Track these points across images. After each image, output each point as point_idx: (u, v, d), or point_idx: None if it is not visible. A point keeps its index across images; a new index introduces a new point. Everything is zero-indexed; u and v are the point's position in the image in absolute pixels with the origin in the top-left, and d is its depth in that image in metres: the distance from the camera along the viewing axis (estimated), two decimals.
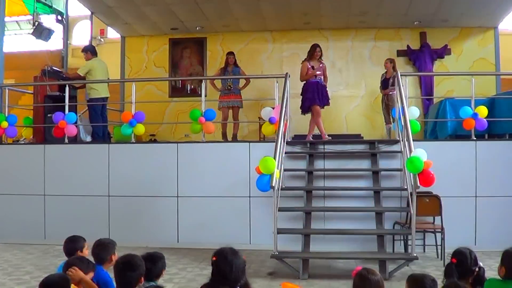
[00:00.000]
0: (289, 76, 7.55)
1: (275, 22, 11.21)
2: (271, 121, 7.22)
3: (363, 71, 11.54)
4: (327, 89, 8.55)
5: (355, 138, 9.12)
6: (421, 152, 5.44)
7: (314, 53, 8.48)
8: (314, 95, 8.31)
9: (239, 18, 10.93)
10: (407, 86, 7.51)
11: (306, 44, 11.08)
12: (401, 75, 7.11)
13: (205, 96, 8.03)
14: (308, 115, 8.54)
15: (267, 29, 11.65)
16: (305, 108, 8.46)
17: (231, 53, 9.77)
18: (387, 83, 9.71)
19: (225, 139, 9.32)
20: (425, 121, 10.31)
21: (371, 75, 11.29)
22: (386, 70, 9.91)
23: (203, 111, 7.74)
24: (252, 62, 11.66)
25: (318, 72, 8.43)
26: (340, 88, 11.42)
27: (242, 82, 9.56)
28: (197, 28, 11.60)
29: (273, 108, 7.39)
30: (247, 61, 11.66)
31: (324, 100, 8.37)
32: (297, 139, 8.39)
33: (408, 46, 11.47)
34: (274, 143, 6.05)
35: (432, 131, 9.76)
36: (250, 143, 7.42)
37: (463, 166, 7.06)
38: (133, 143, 7.87)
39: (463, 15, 10.63)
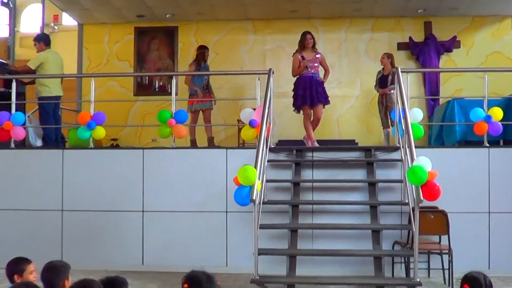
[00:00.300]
0: (273, 73, 7.52)
1: (257, 9, 11.23)
2: (251, 124, 7.20)
3: (358, 67, 11.62)
4: (324, 85, 8.53)
5: (349, 145, 9.16)
6: (425, 160, 5.45)
7: (304, 42, 8.49)
8: (306, 92, 8.29)
9: (215, 4, 10.93)
10: (409, 84, 7.53)
11: (292, 36, 11.10)
12: (402, 72, 7.13)
13: (176, 95, 7.99)
14: (299, 117, 8.58)
15: (248, 17, 11.67)
16: (297, 106, 8.46)
17: (205, 48, 9.89)
18: (385, 81, 9.79)
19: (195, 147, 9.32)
20: (430, 124, 10.39)
21: (367, 72, 11.36)
22: (383, 66, 9.99)
23: (173, 112, 7.69)
24: (231, 56, 11.67)
25: (311, 64, 8.41)
26: (332, 87, 11.38)
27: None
28: (167, 16, 11.57)
29: (254, 110, 7.37)
30: (225, 55, 11.67)
31: (320, 97, 8.33)
32: (282, 145, 8.41)
33: (410, 38, 11.54)
34: (255, 150, 6.02)
35: (438, 136, 9.84)
36: (228, 150, 7.39)
37: (474, 177, 7.10)
38: (91, 148, 7.81)
39: (474, 1, 10.73)
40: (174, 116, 7.65)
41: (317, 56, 8.52)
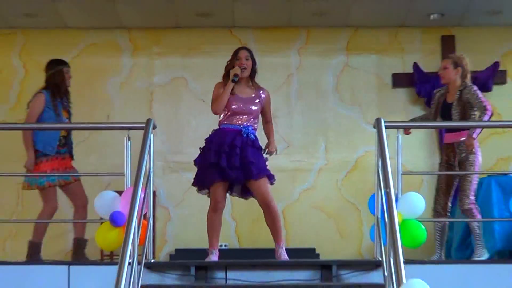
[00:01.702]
0: (155, 127, 7.79)
1: (136, 10, 11.48)
2: (114, 221, 7.35)
3: (322, 117, 12.00)
4: (261, 150, 8.59)
5: (300, 257, 9.26)
6: (419, 286, 5.70)
7: (234, 64, 8.58)
8: (221, 158, 8.32)
9: None
10: (400, 148, 7.86)
11: (202, 59, 11.49)
12: (387, 126, 7.52)
13: None
14: None
15: (121, 25, 11.97)
16: (199, 182, 8.55)
17: (63, 63, 9.92)
18: (448, 114, 9.44)
19: (34, 256, 9.38)
20: (447, 221, 10.80)
21: (338, 126, 11.81)
22: (444, 81, 9.60)
23: None
24: (88, 94, 11.75)
25: (242, 108, 8.47)
26: (275, 154, 11.70)
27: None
28: None
29: (120, 194, 7.58)
30: (79, 91, 11.81)
31: (248, 172, 8.30)
32: (179, 258, 8.43)
33: (415, 65, 11.94)
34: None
35: (463, 243, 10.19)
36: (71, 266, 7.51)
37: None
38: None
39: None
40: None
41: (258, 97, 8.64)
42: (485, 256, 8.89)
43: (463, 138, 9.01)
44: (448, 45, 12.01)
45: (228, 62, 8.68)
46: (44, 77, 9.84)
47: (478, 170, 9.09)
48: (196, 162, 8.58)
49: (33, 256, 9.35)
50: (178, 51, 12.07)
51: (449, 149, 9.24)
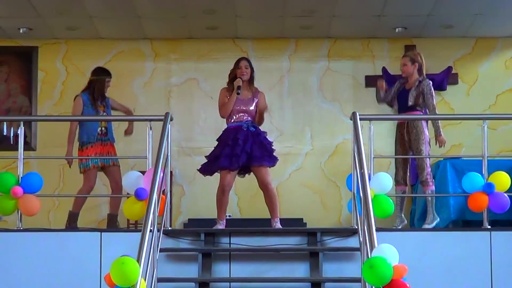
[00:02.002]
0: (172, 119, 7.74)
1: (158, 24, 11.47)
2: (139, 195, 7.32)
3: (308, 111, 11.94)
4: (263, 136, 8.61)
5: (290, 226, 9.26)
6: (388, 249, 5.60)
7: (236, 72, 8.57)
8: (225, 150, 8.34)
9: (94, 14, 11.04)
10: (372, 136, 7.84)
11: (210, 64, 11.44)
12: (361, 119, 7.47)
13: (33, 149, 8.04)
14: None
15: (145, 36, 11.91)
16: (206, 170, 8.54)
17: (105, 71, 9.88)
18: (405, 98, 9.40)
19: (72, 224, 9.35)
20: (411, 196, 10.73)
21: (321, 118, 11.76)
22: (404, 75, 9.57)
23: (20, 175, 7.76)
24: (118, 93, 11.72)
25: (243, 108, 8.51)
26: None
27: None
28: (21, 31, 11.61)
29: (144, 173, 7.52)
30: (109, 91, 11.74)
31: (254, 158, 8.36)
32: (192, 227, 8.43)
33: (384, 69, 11.88)
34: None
35: (424, 214, 10.06)
36: (103, 234, 7.51)
37: (471, 271, 7.40)
38: None
39: (480, 16, 11.03)
40: (21, 182, 7.71)
41: (255, 97, 8.63)
42: (436, 220, 8.89)
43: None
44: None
45: (231, 71, 8.72)
46: (88, 79, 9.85)
47: (428, 146, 9.15)
48: (209, 155, 8.59)
49: (71, 223, 9.33)
50: (191, 57, 12.02)
51: (402, 126, 9.29)
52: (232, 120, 8.55)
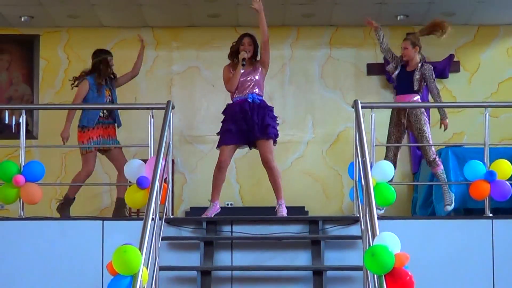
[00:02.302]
0: (174, 107, 7.74)
1: (159, 12, 11.45)
2: (140, 183, 7.31)
3: (310, 99, 11.93)
4: (270, 110, 8.61)
5: (293, 214, 9.26)
6: (390, 238, 5.59)
7: (238, 47, 8.62)
8: (230, 125, 8.37)
9: (96, 3, 11.04)
10: (373, 124, 7.85)
11: (212, 52, 11.42)
12: (363, 107, 7.48)
13: (36, 138, 8.05)
14: None
15: (147, 24, 11.90)
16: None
17: (107, 53, 9.90)
18: (406, 82, 9.36)
19: (65, 209, 9.36)
20: (413, 185, 10.73)
21: (323, 106, 11.75)
22: (406, 58, 9.50)
23: (22, 164, 7.78)
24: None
25: (247, 79, 8.52)
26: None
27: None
28: (23, 19, 11.60)
29: (145, 162, 7.53)
30: None
31: (257, 131, 8.33)
32: (194, 214, 8.43)
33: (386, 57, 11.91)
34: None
35: (425, 202, 10.16)
36: (105, 222, 7.52)
37: (473, 260, 7.42)
38: None
39: (482, 4, 11.02)
40: (23, 171, 7.72)
41: (258, 68, 8.63)
42: (453, 197, 8.90)
43: (413, 99, 9.20)
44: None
45: (233, 44, 8.80)
46: (91, 63, 9.84)
47: (429, 126, 9.15)
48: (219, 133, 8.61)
49: (64, 208, 9.36)
50: (193, 45, 12.00)
51: (399, 108, 9.24)
52: (237, 94, 8.57)
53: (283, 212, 8.30)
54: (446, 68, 11.85)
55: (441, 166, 8.91)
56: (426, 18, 11.48)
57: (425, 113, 9.13)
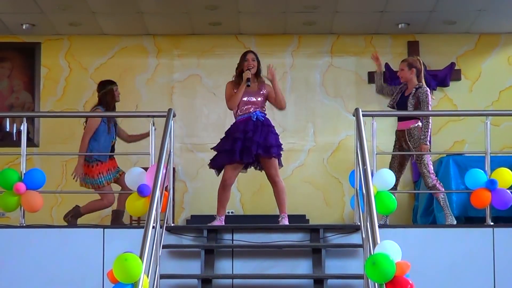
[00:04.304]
0: (175, 115, 7.76)
1: (160, 20, 11.48)
2: (141, 192, 7.30)
3: (311, 107, 11.94)
4: (273, 128, 8.61)
5: (295, 222, 9.26)
6: (391, 246, 5.60)
7: (243, 65, 8.60)
8: (235, 144, 8.35)
9: (97, 11, 11.06)
10: (375, 132, 7.84)
11: (213, 60, 11.45)
12: (364, 115, 7.49)
13: (37, 145, 8.06)
14: None
15: (148, 32, 11.92)
16: (217, 164, 8.55)
17: (113, 83, 9.84)
18: (405, 105, 9.30)
19: (72, 220, 9.41)
20: (413, 193, 10.73)
21: (324, 114, 11.77)
22: (402, 80, 9.47)
23: (23, 172, 7.79)
24: (121, 89, 11.70)
25: (251, 100, 8.53)
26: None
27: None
28: (24, 27, 11.61)
29: (146, 170, 7.53)
30: None
31: (261, 150, 8.35)
32: (196, 223, 8.43)
33: (387, 65, 11.80)
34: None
35: (426, 210, 10.20)
36: (105, 230, 7.52)
37: (474, 269, 7.41)
38: None
39: (483, 12, 11.03)
40: (24, 178, 7.72)
41: (262, 90, 8.62)
42: (454, 222, 8.80)
43: (413, 125, 9.02)
44: (413, 48, 12.00)
45: (238, 65, 8.75)
46: (97, 95, 9.80)
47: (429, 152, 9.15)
48: (215, 148, 8.63)
49: (72, 219, 9.39)
50: (194, 53, 12.01)
51: (400, 135, 9.17)
52: (241, 113, 8.56)
53: (284, 223, 8.33)
54: (447, 76, 11.86)
55: (442, 189, 8.85)
56: (427, 27, 11.65)
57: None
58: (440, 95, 11.87)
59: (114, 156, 9.59)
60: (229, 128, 8.67)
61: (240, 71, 8.67)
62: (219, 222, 8.33)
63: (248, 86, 8.50)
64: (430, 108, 9.08)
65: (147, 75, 12.01)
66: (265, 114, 8.64)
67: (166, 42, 12.08)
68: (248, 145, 8.32)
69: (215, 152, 8.63)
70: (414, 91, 9.08)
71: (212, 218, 8.44)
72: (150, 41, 12.08)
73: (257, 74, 8.73)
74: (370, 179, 6.60)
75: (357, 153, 7.44)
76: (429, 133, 8.97)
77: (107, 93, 9.70)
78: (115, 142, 9.71)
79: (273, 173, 8.51)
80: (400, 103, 9.28)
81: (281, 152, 8.66)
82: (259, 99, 8.62)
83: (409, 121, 9.09)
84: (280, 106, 8.85)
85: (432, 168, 8.94)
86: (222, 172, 8.51)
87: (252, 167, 8.71)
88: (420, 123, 9.04)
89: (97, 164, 9.34)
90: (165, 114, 7.76)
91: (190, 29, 11.81)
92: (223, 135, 8.67)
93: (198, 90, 11.84)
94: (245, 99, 8.54)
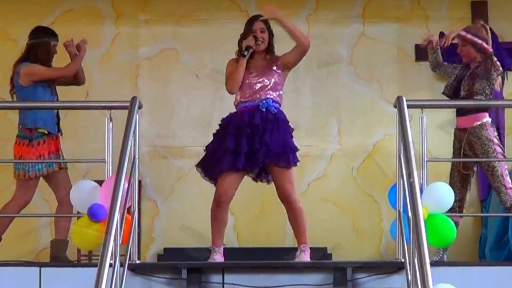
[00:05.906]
0: (141, 107, 7.80)
1: None
2: (94, 215, 7.36)
3: (334, 95, 12.06)
4: (288, 123, 8.64)
5: (310, 259, 9.32)
6: None
7: (247, 36, 8.60)
8: (231, 143, 8.32)
9: None
10: (424, 130, 7.87)
11: (195, 28, 11.51)
12: (409, 106, 7.52)
13: None
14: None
15: None
16: (213, 171, 8.52)
17: (53, 35, 9.94)
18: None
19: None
20: (481, 216, 10.80)
21: (353, 106, 11.87)
22: (464, 60, 9.60)
23: None
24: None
25: (258, 79, 8.50)
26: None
27: None
28: None
29: (100, 184, 7.58)
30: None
31: (270, 153, 8.28)
32: (169, 258, 8.40)
33: (442, 35, 11.94)
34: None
35: (499, 242, 10.22)
36: (42, 269, 7.52)
37: None
38: None
39: None
40: None
41: (276, 66, 8.62)
42: None
43: (479, 122, 8.99)
44: (479, 12, 11.99)
45: (241, 36, 8.68)
46: (25, 44, 9.83)
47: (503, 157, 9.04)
48: (207, 147, 8.55)
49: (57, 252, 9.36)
50: (168, 19, 12.06)
51: (462, 135, 9.18)
52: (243, 99, 8.49)
53: (306, 260, 8.28)
54: None
55: None
56: None
57: (494, 139, 9.02)
58: None
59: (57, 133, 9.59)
60: (226, 118, 8.58)
61: (243, 37, 8.63)
62: (219, 256, 8.32)
63: (244, 56, 8.42)
64: (496, 86, 9.09)
65: (102, 50, 12.08)
66: (280, 105, 8.57)
67: (128, 3, 12.15)
68: (255, 147, 8.26)
69: (198, 159, 8.60)
70: (474, 68, 9.17)
71: (193, 251, 8.48)
72: (107, 1, 12.14)
73: (269, 50, 8.71)
74: (419, 197, 6.62)
75: (400, 160, 7.46)
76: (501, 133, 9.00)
77: (40, 44, 9.70)
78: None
79: (289, 188, 8.36)
80: (457, 91, 9.30)
81: (297, 155, 8.55)
82: (272, 80, 8.53)
83: (472, 116, 9.09)
84: (302, 46, 8.73)
85: (510, 181, 8.94)
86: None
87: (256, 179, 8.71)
88: (489, 118, 9.06)
89: (39, 142, 9.32)
90: (127, 105, 7.75)
91: None
92: (212, 132, 8.61)
93: (174, 71, 11.91)
94: (249, 80, 8.48)
